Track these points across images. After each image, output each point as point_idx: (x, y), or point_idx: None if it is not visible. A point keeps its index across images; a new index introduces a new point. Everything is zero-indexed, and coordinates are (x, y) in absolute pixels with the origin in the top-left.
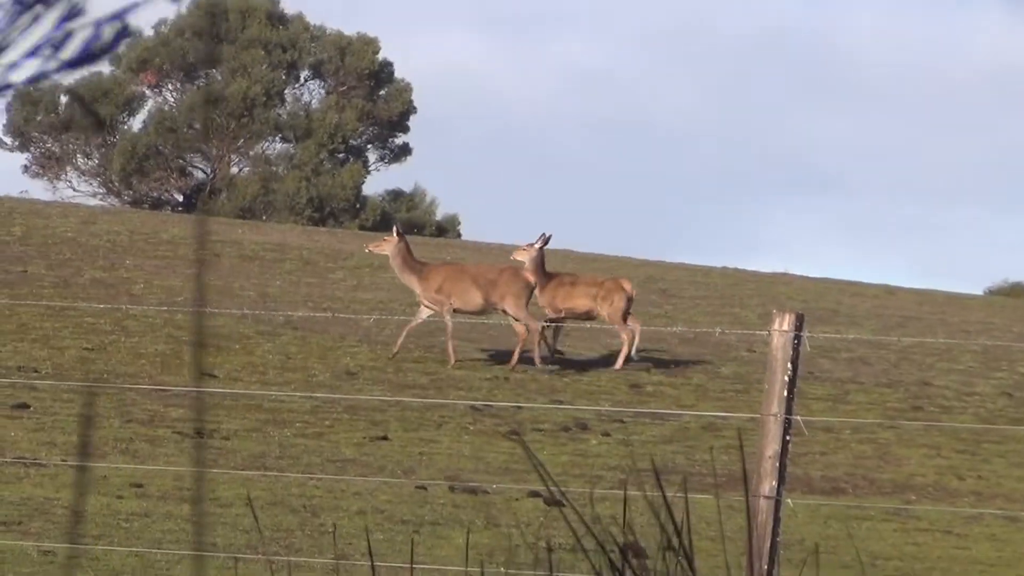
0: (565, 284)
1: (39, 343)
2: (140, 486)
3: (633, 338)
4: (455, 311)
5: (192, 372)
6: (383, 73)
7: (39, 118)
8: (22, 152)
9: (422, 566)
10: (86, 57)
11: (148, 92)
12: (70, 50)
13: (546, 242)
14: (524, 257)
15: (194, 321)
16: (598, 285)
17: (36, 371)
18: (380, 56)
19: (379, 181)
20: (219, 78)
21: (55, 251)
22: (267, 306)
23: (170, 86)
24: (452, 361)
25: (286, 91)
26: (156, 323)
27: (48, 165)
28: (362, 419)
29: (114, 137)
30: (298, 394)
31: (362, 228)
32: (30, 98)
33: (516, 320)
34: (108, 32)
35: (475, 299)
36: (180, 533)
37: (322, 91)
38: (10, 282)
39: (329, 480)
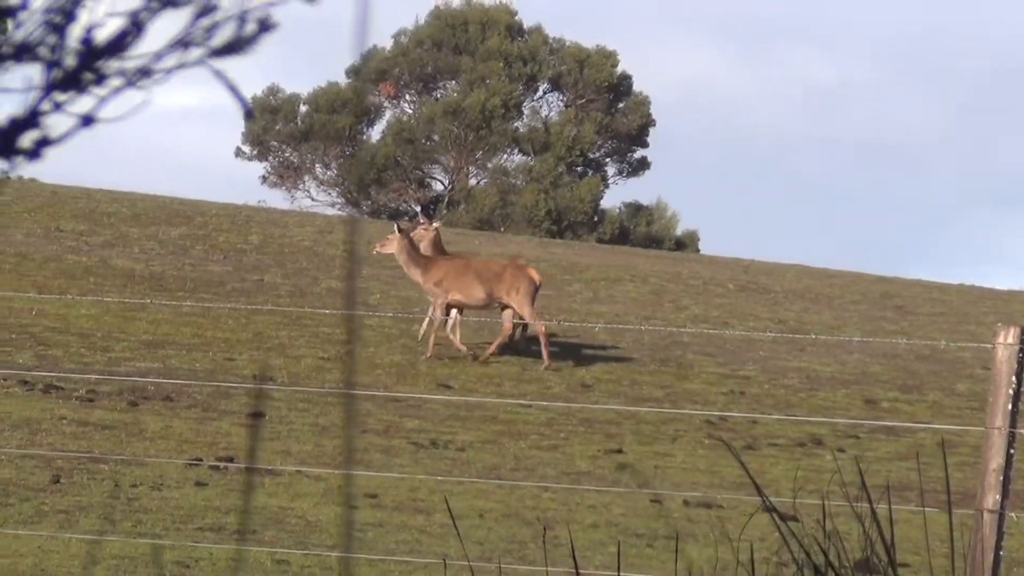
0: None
1: (275, 352)
2: (375, 496)
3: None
4: (459, 306)
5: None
6: (622, 86)
7: (278, 128)
8: (260, 161)
9: None
10: (230, 47)
11: (387, 103)
12: (215, 41)
13: (425, 221)
14: (424, 240)
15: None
16: (538, 273)
17: (272, 380)
18: (619, 69)
19: (617, 194)
20: (458, 90)
21: (291, 260)
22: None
23: (408, 97)
24: (429, 354)
25: (524, 103)
26: (392, 333)
27: (286, 174)
28: (597, 432)
29: (353, 147)
30: (534, 403)
31: (600, 241)
32: (269, 107)
33: (520, 317)
34: (252, 26)
35: (477, 293)
36: (414, 543)
37: (561, 104)
38: (247, 290)
39: (564, 492)
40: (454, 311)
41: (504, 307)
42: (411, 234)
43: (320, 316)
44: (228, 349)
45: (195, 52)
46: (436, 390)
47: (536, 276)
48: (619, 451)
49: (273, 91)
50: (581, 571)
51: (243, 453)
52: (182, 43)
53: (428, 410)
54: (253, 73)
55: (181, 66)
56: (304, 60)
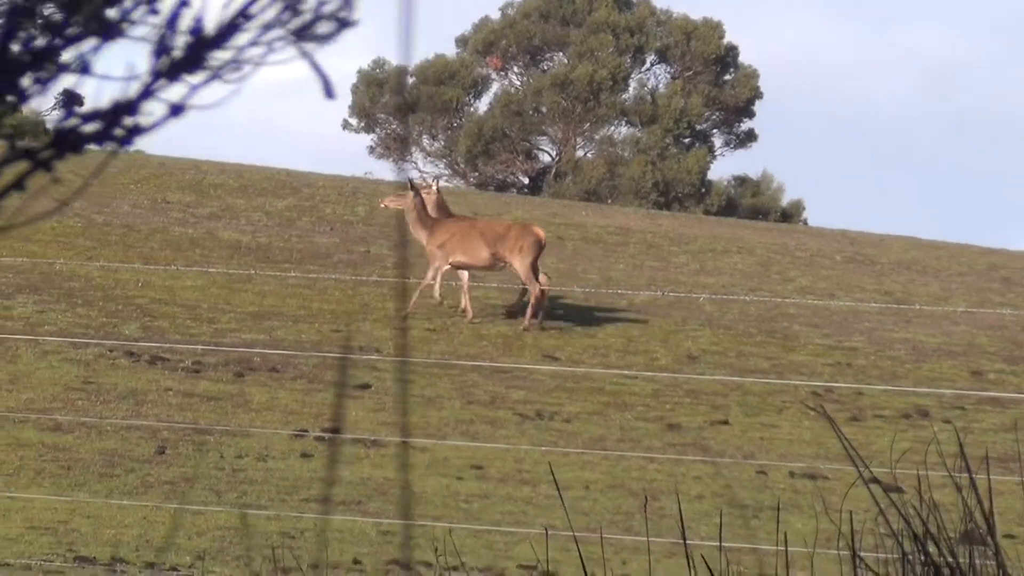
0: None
1: (381, 323)
2: (480, 467)
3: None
4: (463, 267)
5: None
6: (728, 58)
7: (384, 100)
8: (367, 133)
9: (762, 547)
10: (318, 34)
11: (494, 75)
12: (298, 21)
13: (418, 187)
14: (398, 204)
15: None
16: (543, 232)
17: (378, 351)
18: (725, 41)
19: (724, 166)
20: (565, 62)
21: (399, 232)
22: (610, 289)
23: (516, 69)
24: (409, 308)
25: (632, 75)
26: (499, 305)
27: (394, 146)
28: (703, 403)
29: (460, 119)
30: (641, 374)
31: (707, 213)
32: (375, 80)
33: (516, 270)
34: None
35: (481, 253)
36: (519, 515)
37: (668, 75)
38: (353, 262)
39: (669, 463)
40: (465, 273)
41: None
42: (389, 199)
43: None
44: (334, 320)
45: (284, 37)
46: (542, 361)
47: (542, 234)
48: (725, 422)
49: (379, 63)
50: (688, 543)
51: (349, 424)
52: (272, 27)
53: (534, 381)
54: (360, 45)
55: (272, 51)
56: (411, 32)
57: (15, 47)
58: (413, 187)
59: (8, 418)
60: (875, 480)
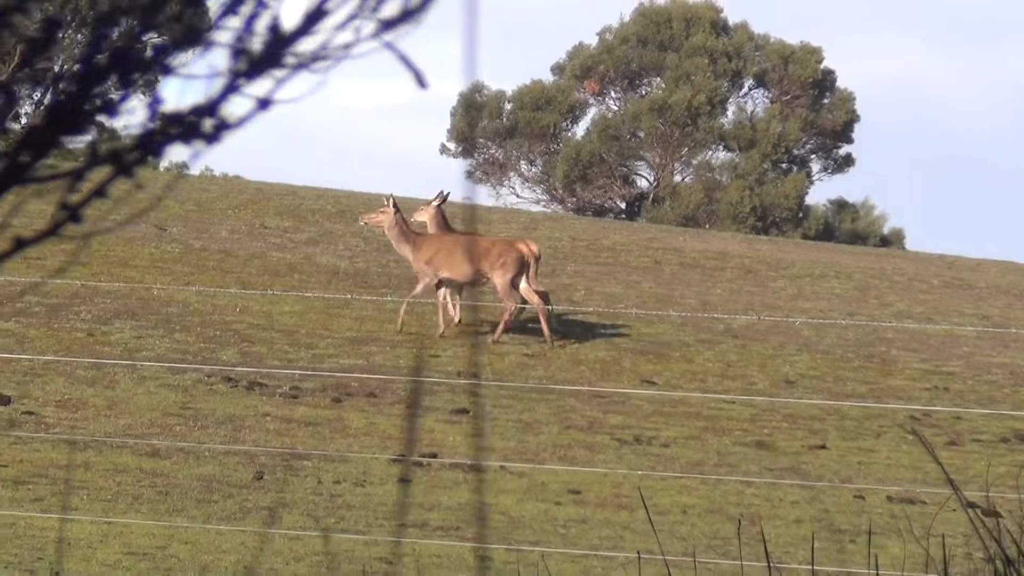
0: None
1: (479, 348)
2: (578, 492)
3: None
4: (448, 281)
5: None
6: (826, 82)
7: (483, 124)
8: (465, 158)
9: (860, 571)
10: (401, 17)
11: (591, 100)
12: (386, 11)
13: (444, 199)
14: (425, 217)
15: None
16: (528, 248)
17: (476, 376)
18: (823, 65)
19: (821, 191)
20: (663, 86)
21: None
22: (707, 314)
23: (613, 93)
24: (399, 326)
25: (729, 100)
26: (596, 329)
27: (491, 171)
28: (801, 427)
29: (558, 144)
30: (738, 398)
31: (804, 237)
32: (474, 104)
33: (495, 285)
34: None
35: (465, 269)
36: (617, 540)
37: (766, 100)
38: None
39: (767, 488)
40: (443, 289)
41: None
42: (413, 217)
43: (525, 312)
44: (432, 345)
45: (367, 27)
46: (640, 386)
47: (527, 250)
48: (823, 446)
49: (477, 88)
50: (780, 566)
51: (447, 449)
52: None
53: (632, 406)
54: (457, 70)
55: (356, 42)
56: (509, 57)
57: (100, 56)
58: (393, 204)
59: (106, 443)
60: (972, 504)
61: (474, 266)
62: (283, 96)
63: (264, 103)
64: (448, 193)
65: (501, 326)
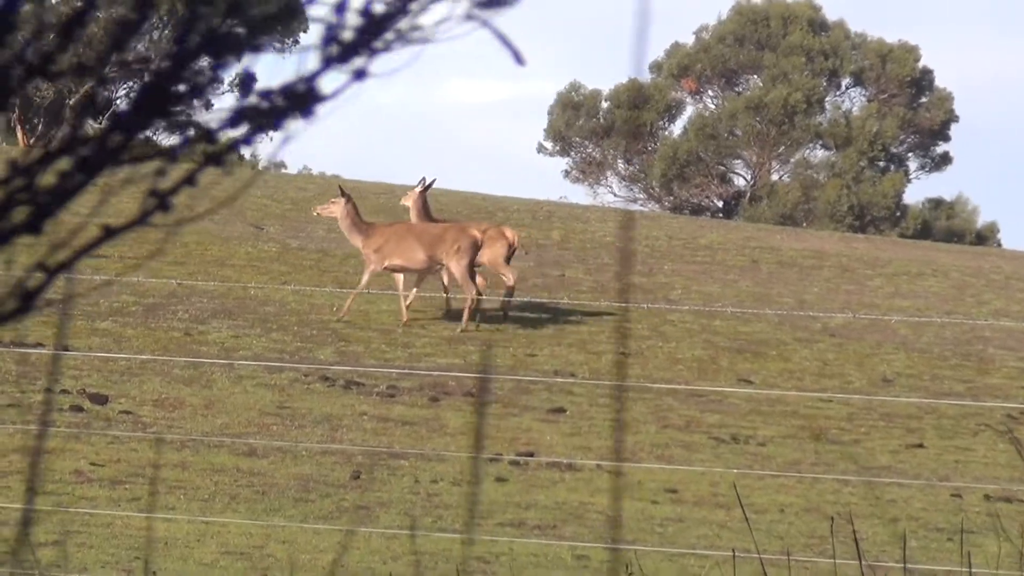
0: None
1: (576, 347)
2: (675, 491)
3: (507, 284)
4: (400, 271)
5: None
6: (924, 81)
7: (580, 123)
8: (562, 157)
9: (957, 569)
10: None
11: (688, 98)
12: None
13: (427, 187)
14: (408, 203)
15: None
16: (481, 232)
17: (573, 375)
18: (921, 64)
19: (919, 189)
20: (760, 85)
21: (593, 255)
22: (804, 312)
23: (710, 92)
24: (343, 314)
25: (826, 98)
26: (693, 328)
27: (588, 170)
28: (898, 426)
29: (655, 143)
30: (836, 396)
31: (902, 236)
32: (571, 103)
33: (451, 272)
34: None
35: (418, 256)
36: (714, 539)
37: (863, 98)
38: (548, 286)
39: (864, 487)
40: (400, 277)
41: (443, 267)
42: (403, 200)
43: (622, 311)
44: (529, 344)
45: (462, 5)
46: (737, 385)
47: (479, 234)
48: (920, 445)
49: (575, 87)
50: (876, 564)
51: (544, 448)
52: None
53: (729, 405)
54: (555, 70)
55: (448, 19)
56: (605, 56)
57: (194, 36)
58: (344, 194)
59: (203, 443)
60: None
61: (426, 253)
62: (378, 69)
63: (360, 73)
64: (433, 180)
65: (466, 314)
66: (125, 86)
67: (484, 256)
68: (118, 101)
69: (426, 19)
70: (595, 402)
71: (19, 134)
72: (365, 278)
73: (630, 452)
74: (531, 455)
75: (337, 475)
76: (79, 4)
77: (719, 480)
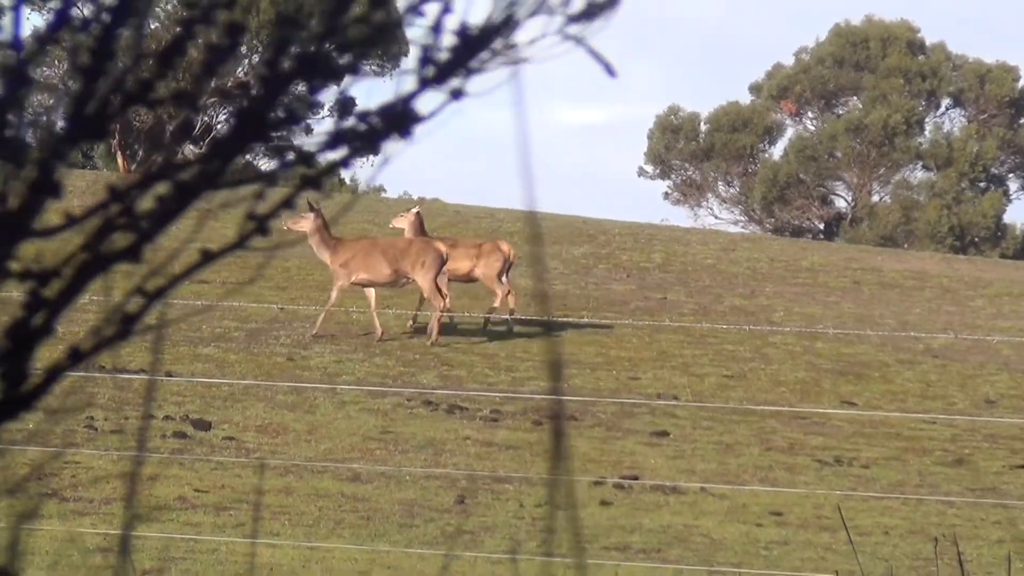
0: (446, 247)
1: (679, 370)
2: (779, 514)
3: (506, 298)
4: (367, 284)
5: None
6: (1023, 101)
7: (680, 146)
8: (663, 180)
9: None
10: (588, 12)
11: (788, 120)
12: (573, 8)
13: (422, 207)
14: (403, 223)
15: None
16: (476, 247)
17: (676, 398)
18: (1020, 84)
19: (1019, 209)
20: (859, 106)
21: (694, 278)
22: (907, 333)
23: (810, 114)
24: (315, 331)
25: (926, 119)
26: (796, 351)
27: (689, 193)
28: (1002, 447)
29: (755, 165)
30: (939, 417)
31: (1003, 256)
32: (670, 126)
33: (420, 286)
34: None
35: (383, 270)
36: (819, 561)
37: (962, 119)
38: (650, 309)
39: (968, 508)
40: (370, 291)
41: (410, 281)
42: (394, 218)
43: (724, 334)
44: (632, 368)
45: (555, 20)
46: (840, 406)
47: (443, 248)
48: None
49: (674, 110)
50: None
51: (647, 471)
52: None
53: (832, 427)
54: (654, 93)
55: (542, 36)
56: (704, 78)
57: (285, 60)
58: (313, 208)
59: (307, 468)
60: None
61: (391, 267)
62: (474, 89)
63: (457, 93)
64: (427, 200)
65: (436, 327)
66: (226, 110)
67: (478, 270)
68: (219, 126)
69: (521, 37)
70: (698, 425)
71: (119, 159)
72: (334, 294)
73: (734, 475)
74: (635, 478)
75: (441, 500)
76: (177, 31)
77: (823, 502)
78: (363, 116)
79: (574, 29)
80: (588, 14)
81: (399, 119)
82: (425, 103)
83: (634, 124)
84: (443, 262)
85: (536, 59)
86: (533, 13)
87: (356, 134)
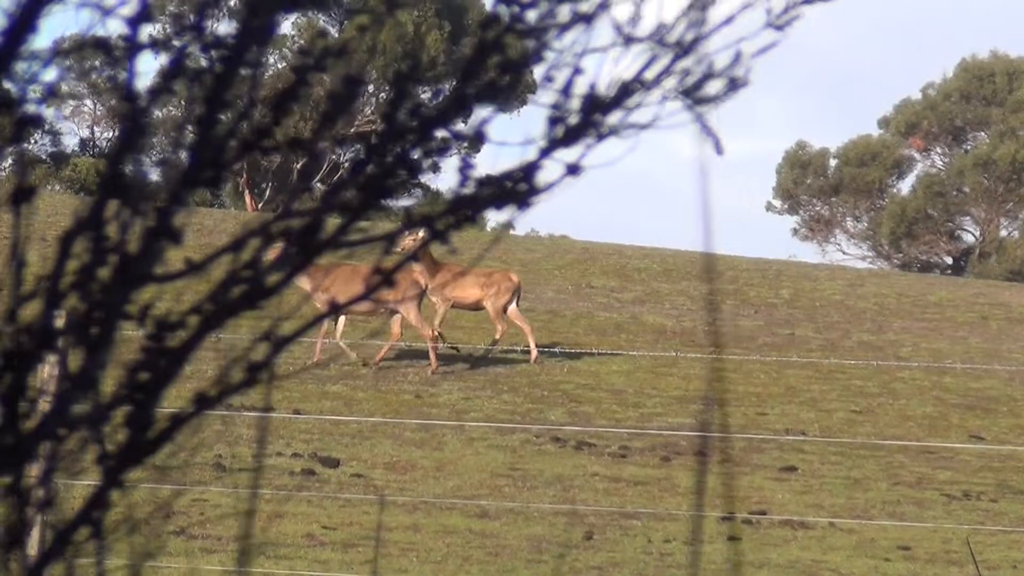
0: (455, 274)
1: (807, 405)
2: (907, 548)
3: (523, 330)
4: (348, 311)
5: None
6: None
7: (808, 181)
8: (791, 215)
9: None
10: (710, 96)
11: (917, 156)
12: (690, 82)
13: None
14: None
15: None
16: (486, 276)
17: (804, 433)
18: None
19: None
20: (987, 141)
21: (822, 313)
22: None
23: (938, 149)
24: (316, 358)
25: None
26: (924, 385)
27: (817, 228)
28: None
29: (883, 200)
30: None
31: None
32: (799, 161)
33: (406, 319)
34: (724, 81)
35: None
36: None
37: None
38: (778, 344)
39: None
40: (341, 319)
41: (393, 313)
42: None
43: (852, 369)
44: (760, 403)
45: (676, 98)
46: (968, 441)
47: (422, 279)
48: None
49: (802, 145)
50: None
51: (775, 507)
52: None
53: (960, 462)
54: (783, 128)
55: (663, 109)
56: (832, 114)
57: (402, 116)
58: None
59: (435, 505)
60: None
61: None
62: (591, 162)
63: (574, 169)
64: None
65: (432, 355)
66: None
67: (487, 301)
68: (344, 164)
69: (640, 116)
70: (826, 460)
71: (247, 198)
72: (324, 323)
73: (862, 509)
74: (763, 513)
75: (570, 536)
76: (291, 78)
77: (951, 536)
78: (484, 182)
79: (694, 109)
80: (712, 97)
81: (516, 192)
82: (544, 174)
83: (762, 160)
84: (423, 292)
85: (656, 127)
86: (659, 78)
87: (474, 201)
